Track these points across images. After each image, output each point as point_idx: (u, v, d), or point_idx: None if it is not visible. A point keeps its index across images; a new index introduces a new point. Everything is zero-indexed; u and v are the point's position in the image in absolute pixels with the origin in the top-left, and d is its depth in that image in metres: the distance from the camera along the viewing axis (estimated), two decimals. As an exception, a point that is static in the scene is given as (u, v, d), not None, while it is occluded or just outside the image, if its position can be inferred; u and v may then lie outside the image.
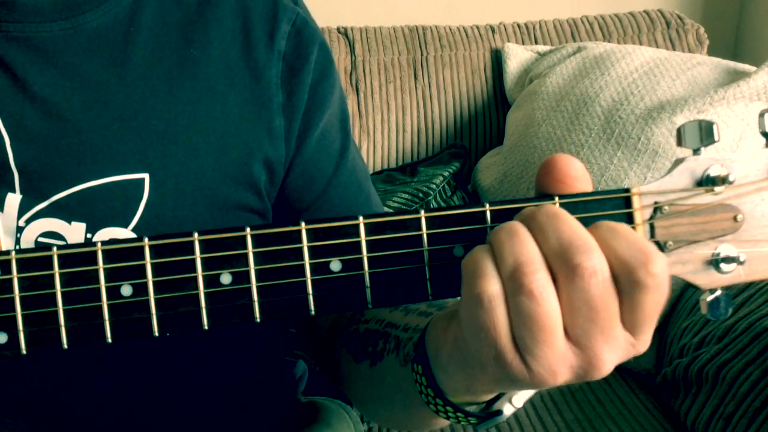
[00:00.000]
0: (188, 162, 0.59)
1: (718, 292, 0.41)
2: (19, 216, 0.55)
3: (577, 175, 0.40)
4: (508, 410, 0.44)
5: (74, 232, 0.56)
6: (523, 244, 0.36)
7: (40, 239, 0.56)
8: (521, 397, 0.44)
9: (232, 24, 0.63)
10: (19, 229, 0.55)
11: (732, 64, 1.23)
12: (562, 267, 0.36)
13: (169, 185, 0.58)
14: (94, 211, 0.56)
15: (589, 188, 0.40)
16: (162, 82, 0.59)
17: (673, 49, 1.46)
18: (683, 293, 1.08)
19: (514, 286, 0.36)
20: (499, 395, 0.44)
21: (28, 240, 0.55)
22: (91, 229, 0.56)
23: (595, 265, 0.35)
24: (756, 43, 1.81)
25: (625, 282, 0.36)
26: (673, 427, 0.95)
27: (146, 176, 0.58)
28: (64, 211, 0.56)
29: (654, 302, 0.36)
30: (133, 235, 0.57)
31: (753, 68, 1.16)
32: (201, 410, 0.68)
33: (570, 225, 0.37)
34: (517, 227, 0.37)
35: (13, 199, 0.55)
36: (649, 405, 1.01)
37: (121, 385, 0.62)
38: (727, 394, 0.85)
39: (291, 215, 0.67)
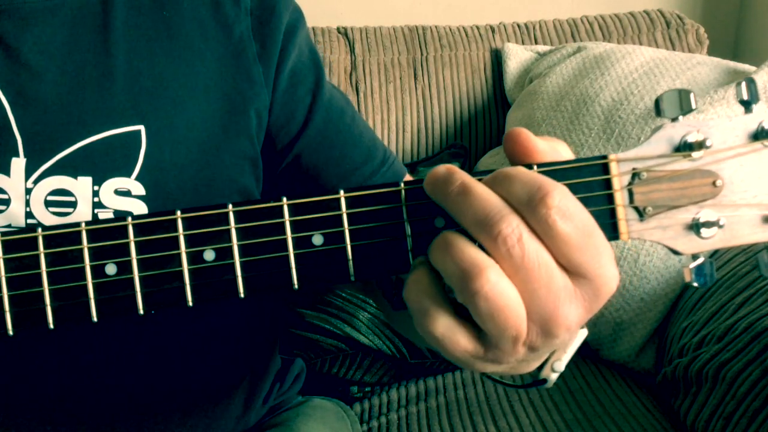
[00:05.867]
0: (177, 113, 0.62)
1: (701, 259, 0.41)
2: (27, 178, 0.58)
3: (541, 149, 0.40)
4: (553, 376, 0.44)
5: (81, 186, 0.59)
6: (457, 248, 0.37)
7: (50, 197, 0.58)
8: (563, 362, 0.44)
9: None
10: (28, 191, 0.58)
11: (732, 64, 1.23)
12: (487, 241, 0.36)
13: (164, 135, 0.61)
14: (97, 164, 0.59)
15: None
16: (142, 43, 0.63)
17: (673, 49, 1.46)
18: (683, 293, 1.08)
19: (467, 295, 0.36)
20: (543, 363, 0.45)
21: (37, 200, 0.58)
22: (98, 181, 0.59)
23: (513, 228, 0.36)
24: (756, 43, 1.81)
25: (534, 223, 0.36)
26: (673, 427, 0.95)
27: (141, 128, 0.61)
28: (69, 167, 0.58)
29: (574, 231, 0.36)
30: (138, 184, 0.60)
31: (753, 68, 1.16)
32: (187, 400, 0.68)
33: (478, 199, 0.37)
34: (443, 236, 0.38)
35: (18, 163, 0.57)
36: (649, 405, 1.01)
37: (103, 373, 0.63)
38: (727, 394, 0.85)
39: (276, 157, 0.71)
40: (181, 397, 0.68)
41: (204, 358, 0.69)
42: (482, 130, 1.48)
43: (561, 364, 0.44)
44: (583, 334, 0.45)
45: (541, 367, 0.44)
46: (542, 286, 0.36)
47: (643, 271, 1.07)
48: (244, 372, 0.74)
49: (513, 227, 0.36)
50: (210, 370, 0.70)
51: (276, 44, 0.68)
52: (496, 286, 0.36)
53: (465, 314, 0.38)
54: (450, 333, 0.38)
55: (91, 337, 0.61)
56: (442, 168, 0.39)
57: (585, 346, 1.12)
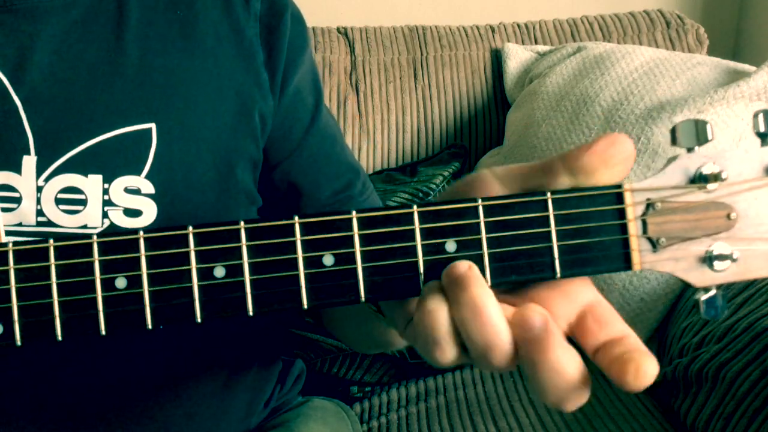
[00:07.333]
0: (189, 112, 0.63)
1: (713, 291, 0.40)
2: (38, 176, 0.58)
3: (625, 156, 0.39)
4: None
5: (91, 184, 0.59)
6: (487, 315, 0.38)
7: (60, 195, 0.59)
8: None
9: None
10: (39, 189, 0.58)
11: (732, 64, 1.23)
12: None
13: (174, 134, 0.62)
14: (108, 162, 0.60)
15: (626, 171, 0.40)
16: (156, 41, 0.63)
17: (673, 49, 1.46)
18: (683, 293, 1.08)
19: (478, 358, 0.39)
20: None
21: (48, 198, 0.59)
22: (108, 179, 0.60)
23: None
24: (756, 43, 1.81)
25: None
26: (673, 427, 0.95)
27: (153, 126, 0.61)
28: (80, 165, 0.59)
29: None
30: (148, 182, 0.61)
31: (753, 68, 1.16)
32: (190, 404, 0.68)
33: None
34: (472, 295, 0.39)
35: (30, 161, 0.58)
36: (649, 405, 1.01)
37: (98, 377, 0.63)
38: (726, 394, 0.85)
39: (268, 169, 0.72)
40: (184, 401, 0.68)
41: (207, 362, 0.69)
42: (482, 130, 1.48)
43: None
44: None
45: None
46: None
47: (643, 271, 1.07)
48: (246, 375, 0.74)
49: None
50: (212, 374, 0.70)
51: (281, 52, 0.69)
52: (502, 364, 0.38)
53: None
54: (454, 362, 0.40)
55: (93, 340, 0.61)
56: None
57: (585, 346, 1.11)
